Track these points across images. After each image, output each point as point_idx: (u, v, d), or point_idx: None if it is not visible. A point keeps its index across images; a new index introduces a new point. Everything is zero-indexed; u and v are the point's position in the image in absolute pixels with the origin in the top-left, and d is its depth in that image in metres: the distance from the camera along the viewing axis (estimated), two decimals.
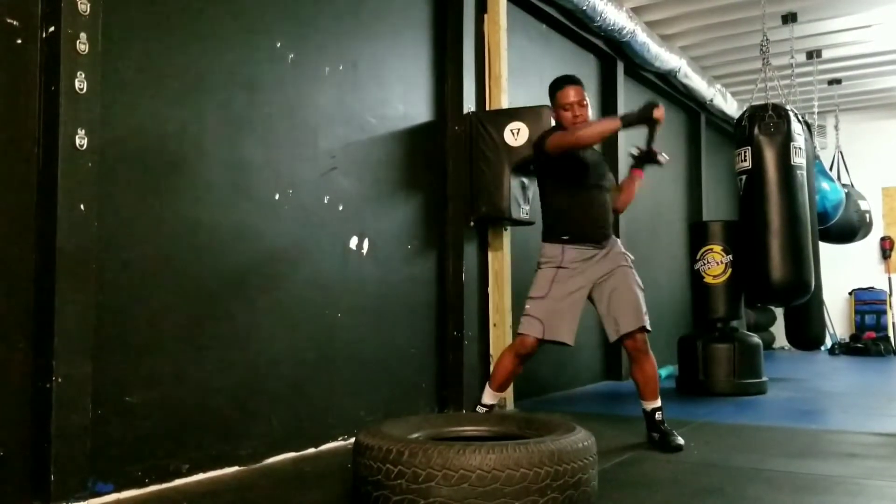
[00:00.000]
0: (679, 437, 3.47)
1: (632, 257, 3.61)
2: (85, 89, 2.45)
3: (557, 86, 3.56)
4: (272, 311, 3.27)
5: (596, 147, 3.67)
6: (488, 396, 3.61)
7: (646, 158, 3.63)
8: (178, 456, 2.82)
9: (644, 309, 3.49)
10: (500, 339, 4.46)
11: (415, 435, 2.61)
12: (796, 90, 6.70)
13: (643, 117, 3.33)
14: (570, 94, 3.49)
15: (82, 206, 2.45)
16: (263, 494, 2.75)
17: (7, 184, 2.39)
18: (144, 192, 2.77)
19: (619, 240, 3.65)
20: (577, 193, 3.52)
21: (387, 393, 3.89)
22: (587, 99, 3.54)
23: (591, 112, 3.59)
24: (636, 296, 3.49)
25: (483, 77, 4.62)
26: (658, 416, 3.52)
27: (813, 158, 6.26)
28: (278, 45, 3.35)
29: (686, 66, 6.93)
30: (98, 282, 2.52)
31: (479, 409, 3.63)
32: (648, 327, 3.48)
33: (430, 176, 4.30)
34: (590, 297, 3.54)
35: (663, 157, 3.60)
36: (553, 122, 3.85)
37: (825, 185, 6.81)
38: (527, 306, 3.53)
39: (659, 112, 3.31)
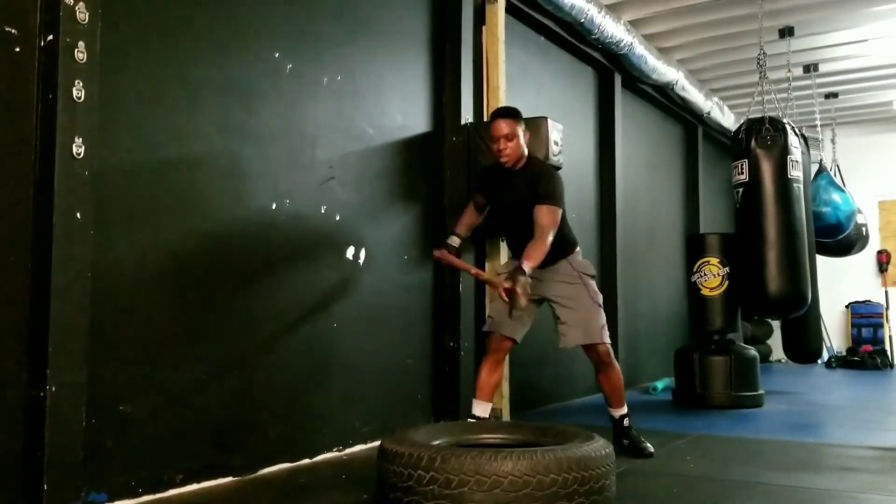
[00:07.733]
0: (649, 444, 3.56)
1: (590, 273, 3.55)
2: (83, 98, 2.45)
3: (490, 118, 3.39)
4: (268, 321, 3.26)
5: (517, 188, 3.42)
6: (477, 408, 3.58)
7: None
8: (172, 466, 2.81)
9: (599, 323, 3.47)
10: None
11: (437, 442, 2.64)
12: (793, 104, 6.72)
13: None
14: (498, 127, 3.32)
15: (79, 215, 2.44)
16: None
17: (4, 192, 2.38)
18: (141, 200, 2.77)
19: (572, 258, 3.54)
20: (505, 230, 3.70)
21: (382, 403, 3.87)
22: (518, 130, 3.33)
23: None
24: (587, 313, 3.47)
25: (481, 88, 4.63)
26: (626, 422, 3.63)
27: (809, 171, 6.27)
28: (276, 55, 3.35)
29: (683, 79, 6.95)
30: (93, 290, 2.51)
31: (469, 420, 3.57)
32: (606, 341, 3.49)
33: (427, 186, 4.31)
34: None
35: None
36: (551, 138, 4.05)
37: (836, 196, 6.84)
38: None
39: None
